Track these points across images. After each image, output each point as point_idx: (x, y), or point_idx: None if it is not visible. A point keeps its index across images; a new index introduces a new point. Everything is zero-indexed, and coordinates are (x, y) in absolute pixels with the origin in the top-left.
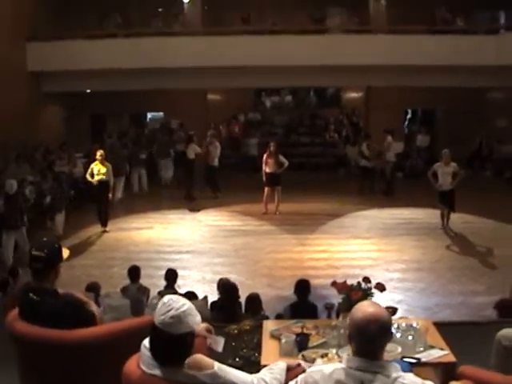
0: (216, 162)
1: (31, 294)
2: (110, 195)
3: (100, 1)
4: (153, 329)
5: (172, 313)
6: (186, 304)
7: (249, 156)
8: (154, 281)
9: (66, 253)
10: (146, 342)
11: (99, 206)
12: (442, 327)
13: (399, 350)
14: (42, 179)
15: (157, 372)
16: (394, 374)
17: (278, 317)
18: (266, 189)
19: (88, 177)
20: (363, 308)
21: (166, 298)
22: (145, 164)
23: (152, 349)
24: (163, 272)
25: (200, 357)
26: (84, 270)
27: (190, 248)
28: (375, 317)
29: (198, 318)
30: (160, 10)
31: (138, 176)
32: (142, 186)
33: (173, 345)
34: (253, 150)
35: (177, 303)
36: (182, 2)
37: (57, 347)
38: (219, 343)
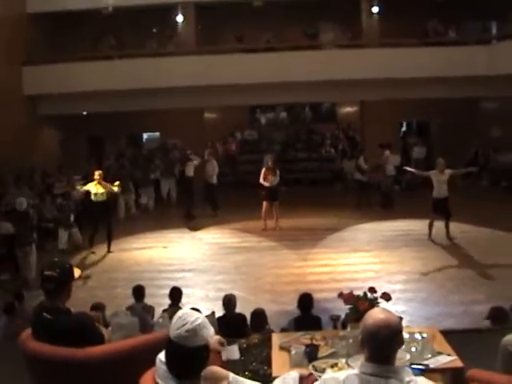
0: (214, 180)
1: (45, 313)
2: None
3: (94, 23)
4: (168, 343)
5: (187, 326)
6: (200, 317)
7: None
8: (157, 300)
9: (77, 272)
10: (162, 355)
11: (96, 227)
12: (446, 335)
13: (408, 357)
14: (41, 202)
15: None
16: (407, 378)
17: (283, 331)
18: (265, 204)
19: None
20: (374, 314)
21: (181, 312)
22: (153, 184)
23: (168, 362)
24: (166, 291)
25: (215, 368)
26: (88, 292)
27: (191, 266)
28: (386, 322)
29: (212, 330)
30: (154, 30)
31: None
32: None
33: (189, 358)
34: None
35: (191, 317)
36: (176, 23)
37: (70, 365)
38: (234, 351)
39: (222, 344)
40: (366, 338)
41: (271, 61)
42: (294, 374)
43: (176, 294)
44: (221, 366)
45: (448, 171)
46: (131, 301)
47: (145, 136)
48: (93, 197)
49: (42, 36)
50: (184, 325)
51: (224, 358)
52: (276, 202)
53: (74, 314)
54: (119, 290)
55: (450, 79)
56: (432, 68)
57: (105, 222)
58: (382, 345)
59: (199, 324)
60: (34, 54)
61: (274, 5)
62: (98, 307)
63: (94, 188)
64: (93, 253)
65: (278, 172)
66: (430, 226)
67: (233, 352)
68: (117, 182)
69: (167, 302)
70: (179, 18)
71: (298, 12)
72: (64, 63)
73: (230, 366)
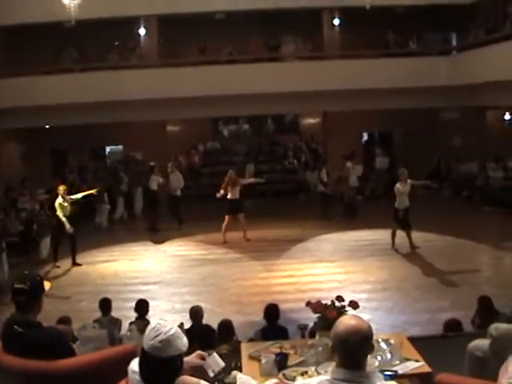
0: (178, 192)
1: (16, 327)
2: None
3: (55, 36)
4: (142, 353)
5: (161, 337)
6: (174, 328)
7: None
8: (123, 312)
9: (47, 285)
10: (134, 365)
11: (59, 240)
12: (413, 342)
13: (376, 363)
14: (5, 217)
15: None
16: (378, 383)
17: (250, 341)
18: (227, 217)
19: (60, 215)
20: (345, 321)
21: (153, 323)
22: (123, 195)
23: (142, 373)
24: (132, 304)
25: (187, 378)
26: (53, 306)
27: (157, 279)
28: (356, 328)
29: (185, 340)
30: (116, 43)
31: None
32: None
33: (163, 368)
34: None
35: (164, 327)
36: (139, 35)
37: (41, 378)
38: (217, 361)
39: (202, 358)
40: (337, 344)
41: (233, 73)
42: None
43: (143, 307)
44: (191, 375)
45: (410, 182)
46: (97, 314)
47: (108, 149)
48: (58, 211)
49: (3, 49)
50: (157, 335)
51: (210, 373)
52: (241, 213)
53: (46, 328)
54: (84, 303)
55: (411, 90)
56: (393, 79)
57: (69, 236)
58: (353, 350)
59: (173, 334)
60: None
61: (236, 17)
62: (65, 321)
63: (63, 203)
64: (57, 267)
65: (243, 181)
66: (393, 236)
67: (216, 362)
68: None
69: (133, 314)
70: (141, 31)
71: (259, 24)
72: (26, 76)
73: (201, 376)
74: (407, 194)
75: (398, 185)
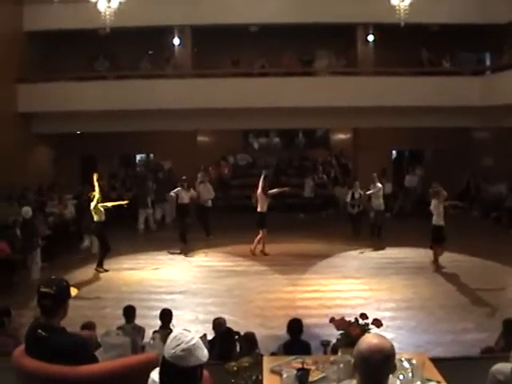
0: (209, 203)
1: (39, 330)
2: None
3: (90, 43)
4: (163, 363)
5: (182, 346)
6: (195, 338)
7: None
8: (147, 321)
9: (74, 291)
10: (154, 375)
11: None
12: (435, 363)
13: (398, 383)
14: (33, 219)
15: None
16: None
17: (273, 355)
18: (262, 231)
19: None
20: (368, 339)
21: (175, 332)
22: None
23: (162, 382)
24: (156, 312)
25: None
26: (77, 311)
27: (182, 288)
28: (379, 347)
29: (206, 351)
30: (150, 52)
31: (146, 216)
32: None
33: (183, 378)
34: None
35: (186, 337)
36: (173, 45)
37: (62, 383)
38: None
39: None
40: (359, 363)
41: (265, 86)
42: None
43: (166, 316)
44: None
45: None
46: (120, 321)
47: (138, 157)
48: (95, 216)
49: (37, 54)
50: (179, 344)
51: None
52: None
53: (69, 334)
54: (108, 309)
55: (443, 109)
56: (426, 97)
57: (100, 242)
58: (375, 369)
59: (194, 344)
60: (30, 71)
61: (269, 30)
62: (89, 326)
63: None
64: (100, 271)
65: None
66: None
67: None
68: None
69: (157, 323)
70: (175, 41)
71: (293, 38)
72: (59, 82)
73: None
74: (438, 208)
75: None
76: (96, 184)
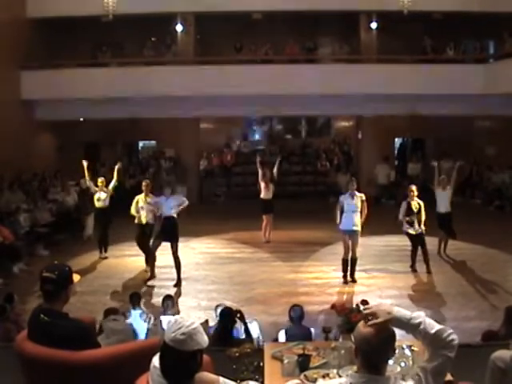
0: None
1: (42, 315)
2: None
3: (93, 30)
4: (163, 346)
5: (183, 330)
6: (196, 322)
7: None
8: (149, 307)
9: (76, 277)
10: (155, 361)
11: (99, 232)
12: None
13: (398, 369)
14: (35, 207)
15: None
16: None
17: (274, 341)
18: (265, 217)
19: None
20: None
21: (176, 317)
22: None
23: (162, 366)
24: (159, 299)
25: (206, 374)
26: (79, 297)
27: (184, 275)
28: (379, 330)
29: (206, 337)
30: (153, 39)
31: None
32: None
33: (183, 362)
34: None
35: (187, 321)
36: (175, 32)
37: (64, 368)
38: None
39: None
40: (359, 345)
41: (269, 73)
42: None
43: (168, 302)
44: (213, 372)
45: (449, 187)
46: (122, 308)
47: (140, 144)
48: (96, 203)
49: (41, 41)
50: (179, 328)
51: None
52: (271, 214)
53: (72, 319)
54: (110, 296)
55: (446, 97)
56: (429, 85)
57: (103, 228)
58: (374, 352)
59: (194, 328)
60: (33, 59)
61: (273, 17)
62: (113, 312)
63: (98, 194)
64: (105, 258)
65: (271, 185)
66: (440, 242)
67: None
68: (103, 196)
69: (160, 310)
70: (178, 28)
71: (296, 25)
72: (62, 69)
73: (221, 374)
74: (449, 199)
75: (436, 190)
76: (99, 184)
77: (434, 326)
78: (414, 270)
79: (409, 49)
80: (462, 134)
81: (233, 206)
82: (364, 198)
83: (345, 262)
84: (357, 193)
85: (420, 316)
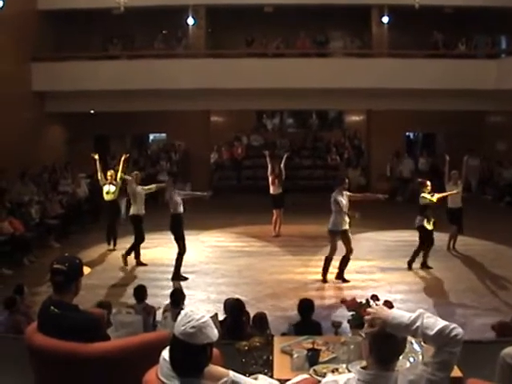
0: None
1: (52, 307)
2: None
3: (104, 22)
4: (173, 339)
5: (193, 323)
6: (206, 316)
7: None
8: (158, 300)
9: (87, 270)
10: (165, 354)
11: (108, 224)
12: None
13: (407, 364)
14: (46, 199)
15: (176, 383)
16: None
17: (284, 335)
18: (275, 211)
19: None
20: None
21: (186, 310)
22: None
23: (172, 359)
24: (168, 291)
25: (216, 367)
26: (89, 290)
27: (194, 268)
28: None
29: (216, 331)
30: (164, 32)
31: None
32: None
33: (193, 355)
34: None
35: (197, 315)
36: (187, 25)
37: (74, 360)
38: None
39: None
40: (377, 341)
41: (280, 66)
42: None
43: (178, 296)
44: (222, 365)
45: (461, 185)
46: (132, 300)
47: (151, 137)
48: (105, 196)
49: (52, 33)
50: (189, 321)
51: None
52: (281, 209)
53: (82, 312)
54: (120, 288)
55: (458, 92)
56: (440, 80)
57: (111, 221)
58: (392, 348)
59: (204, 322)
60: (44, 51)
61: (284, 11)
62: (105, 306)
63: (107, 187)
64: (114, 250)
65: (283, 179)
66: (450, 238)
67: None
68: (112, 189)
69: (168, 302)
70: (190, 21)
71: (308, 19)
72: (73, 61)
73: (230, 367)
74: (460, 194)
75: (447, 185)
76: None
77: (433, 327)
78: (427, 267)
79: (420, 43)
80: (472, 129)
81: (243, 200)
82: (348, 193)
83: (330, 262)
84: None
85: (417, 320)
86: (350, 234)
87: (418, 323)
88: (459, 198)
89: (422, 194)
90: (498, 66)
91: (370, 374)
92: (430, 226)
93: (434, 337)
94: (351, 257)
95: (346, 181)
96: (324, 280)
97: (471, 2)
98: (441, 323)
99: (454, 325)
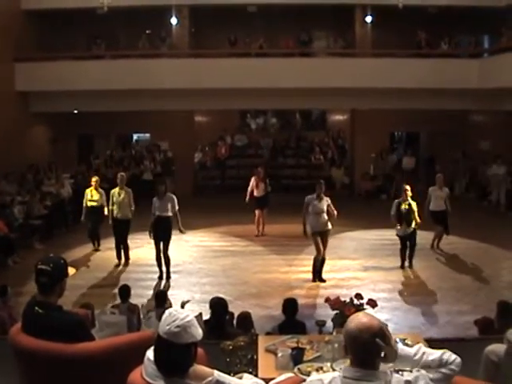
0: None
1: (37, 308)
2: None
3: (88, 22)
4: (157, 339)
5: (177, 323)
6: (190, 315)
7: None
8: (142, 300)
9: (72, 270)
10: (150, 354)
11: (90, 229)
12: (430, 343)
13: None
14: (30, 199)
15: (161, 383)
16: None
17: (268, 335)
18: (257, 211)
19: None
20: (357, 319)
21: (170, 309)
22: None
23: (156, 359)
24: (152, 292)
25: (201, 367)
26: (73, 290)
27: (178, 268)
28: (367, 326)
29: (200, 330)
30: (147, 32)
31: None
32: None
33: (177, 355)
34: None
35: (181, 314)
36: (170, 25)
37: (58, 360)
38: None
39: None
40: (348, 342)
41: (263, 66)
42: None
43: (162, 296)
44: (207, 365)
45: (446, 189)
46: (117, 300)
47: (135, 136)
48: (88, 202)
49: (35, 33)
50: (174, 321)
51: None
52: (266, 208)
53: (66, 312)
54: (105, 289)
55: (441, 91)
56: (423, 79)
57: (93, 225)
58: (364, 348)
59: (189, 321)
60: (27, 50)
61: (268, 10)
62: (87, 307)
63: (90, 194)
64: (98, 250)
65: (267, 181)
66: (435, 237)
67: None
68: (96, 197)
69: (153, 303)
70: (173, 21)
71: (291, 19)
72: (57, 61)
73: (215, 367)
74: (443, 198)
75: (432, 189)
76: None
77: (436, 352)
78: (403, 268)
79: (403, 43)
80: (456, 128)
81: (227, 200)
82: (329, 201)
83: (317, 262)
84: (324, 196)
85: (420, 349)
86: (328, 237)
87: (422, 350)
88: (442, 201)
89: (402, 206)
90: (481, 66)
91: (358, 372)
92: (400, 233)
93: (436, 360)
94: (325, 257)
95: (322, 187)
96: (313, 280)
97: (454, 1)
98: (437, 353)
99: (449, 352)
